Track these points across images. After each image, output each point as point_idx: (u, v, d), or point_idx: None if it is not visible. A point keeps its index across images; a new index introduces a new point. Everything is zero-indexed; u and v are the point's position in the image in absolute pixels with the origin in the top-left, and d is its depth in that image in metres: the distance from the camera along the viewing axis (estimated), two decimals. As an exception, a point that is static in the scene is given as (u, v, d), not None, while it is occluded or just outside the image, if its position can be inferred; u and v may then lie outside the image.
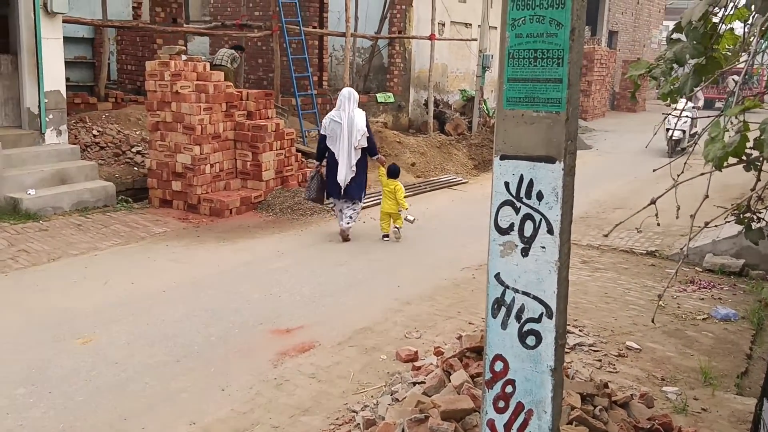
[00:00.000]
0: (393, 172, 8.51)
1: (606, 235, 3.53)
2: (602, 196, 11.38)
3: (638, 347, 5.33)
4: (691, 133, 15.76)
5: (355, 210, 8.42)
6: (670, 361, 5.15)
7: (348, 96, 8.26)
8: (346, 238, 8.33)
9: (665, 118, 2.48)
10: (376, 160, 8.63)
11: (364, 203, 9.21)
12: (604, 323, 5.82)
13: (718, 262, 7.47)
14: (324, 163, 8.41)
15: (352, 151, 8.16)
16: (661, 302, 6.34)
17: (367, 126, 8.28)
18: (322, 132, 8.37)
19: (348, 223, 8.35)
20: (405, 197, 8.51)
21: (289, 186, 10.16)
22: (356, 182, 8.27)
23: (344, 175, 8.17)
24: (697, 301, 6.51)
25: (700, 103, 23.39)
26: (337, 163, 8.20)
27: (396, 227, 8.49)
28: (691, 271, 7.44)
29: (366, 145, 8.22)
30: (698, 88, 2.64)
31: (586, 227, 9.23)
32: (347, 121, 8.10)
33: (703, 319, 6.05)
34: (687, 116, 13.71)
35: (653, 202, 2.67)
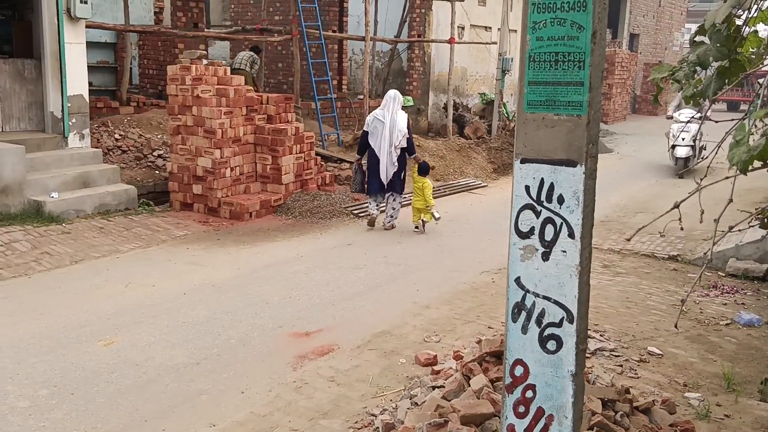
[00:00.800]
0: (423, 170, 8.98)
1: (629, 239, 3.50)
2: (623, 199, 11.29)
3: (660, 352, 5.27)
4: (700, 146, 13.43)
5: (396, 205, 9.10)
6: (692, 366, 5.09)
7: (393, 97, 8.93)
8: (389, 228, 9.05)
9: (687, 121, 2.45)
10: (413, 159, 9.11)
11: (382, 207, 9.44)
12: (626, 328, 5.77)
13: (742, 266, 7.37)
14: (364, 160, 9.08)
15: (392, 149, 8.81)
16: (683, 307, 6.27)
17: (408, 127, 8.97)
18: (365, 129, 9.00)
19: (390, 219, 9.08)
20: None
21: (308, 189, 10.19)
22: (398, 176, 8.96)
23: (386, 170, 8.85)
24: (720, 306, 6.43)
25: (709, 112, 22.92)
26: (377, 160, 8.85)
27: (423, 220, 9.02)
28: (714, 276, 7.36)
29: (405, 146, 8.87)
30: (722, 92, 2.61)
31: (606, 231, 9.16)
32: (390, 122, 8.77)
33: (726, 324, 5.97)
34: (685, 130, 12.22)
35: (677, 206, 2.64)
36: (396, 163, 8.87)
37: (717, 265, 7.57)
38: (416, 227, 9.08)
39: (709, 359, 5.24)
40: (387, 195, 9.05)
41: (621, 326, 5.80)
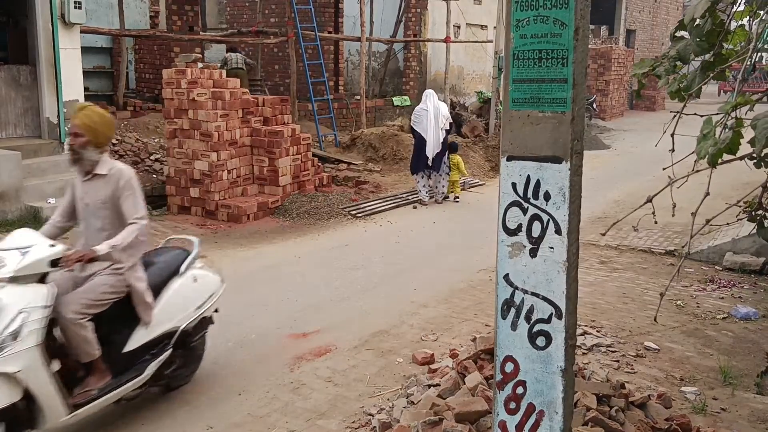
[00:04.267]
0: (453, 148, 10.80)
1: (603, 234, 3.50)
2: (621, 195, 11.29)
3: (657, 347, 5.28)
4: None
5: (443, 181, 10.63)
6: (689, 361, 5.10)
7: (430, 93, 10.70)
8: (438, 202, 10.64)
9: (674, 117, 2.46)
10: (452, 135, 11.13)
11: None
12: (622, 324, 5.78)
13: (738, 260, 7.38)
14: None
15: (438, 131, 10.25)
16: (680, 302, 6.29)
17: (456, 121, 11.19)
18: (411, 124, 10.64)
19: (441, 194, 10.66)
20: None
21: (305, 191, 10.21)
22: (441, 156, 10.37)
23: (432, 148, 10.23)
24: (716, 300, 6.44)
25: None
26: (424, 143, 10.24)
27: (457, 197, 10.79)
28: (711, 270, 7.37)
29: (448, 129, 10.53)
30: (704, 83, 2.62)
31: (604, 227, 9.05)
32: (433, 109, 10.31)
33: (723, 318, 5.98)
34: None
35: (649, 200, 2.65)
36: (440, 144, 10.28)
37: (713, 259, 7.58)
38: (456, 198, 10.79)
39: (705, 353, 5.25)
40: (432, 173, 10.47)
41: (618, 322, 5.81)
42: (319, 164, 11.06)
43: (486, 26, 20.26)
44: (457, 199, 10.81)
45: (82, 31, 9.86)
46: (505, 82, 2.53)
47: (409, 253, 8.04)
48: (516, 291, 2.59)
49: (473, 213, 10.21)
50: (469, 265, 7.51)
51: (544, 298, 2.54)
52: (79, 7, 9.20)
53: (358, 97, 15.30)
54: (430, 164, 10.35)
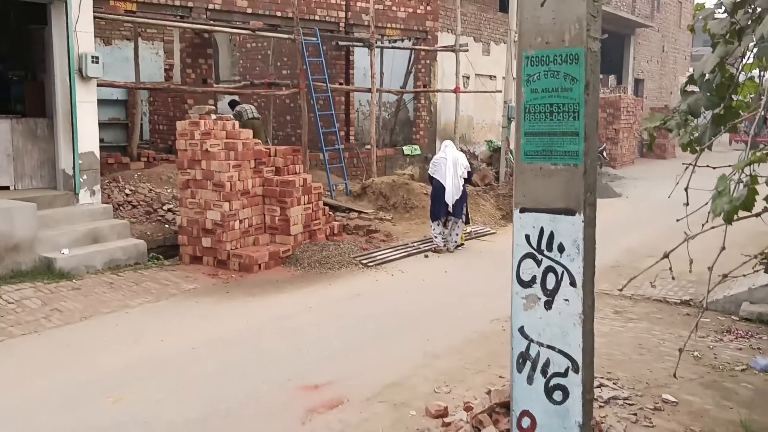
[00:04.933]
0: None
1: (620, 290, 3.47)
2: (633, 244, 11.24)
3: (675, 400, 5.18)
4: None
5: (459, 230, 10.72)
6: (708, 414, 4.99)
7: (449, 143, 11.06)
8: (449, 250, 10.62)
9: (686, 168, 2.47)
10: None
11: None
12: (639, 375, 5.68)
13: (756, 310, 7.28)
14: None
15: (457, 178, 10.43)
16: (696, 353, 6.19)
17: (469, 162, 11.04)
18: (429, 172, 10.86)
19: (454, 242, 10.69)
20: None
21: (316, 239, 10.22)
22: (461, 203, 10.52)
23: (451, 194, 10.36)
24: (734, 352, 6.33)
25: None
26: (442, 190, 10.39)
27: (462, 244, 10.91)
28: (728, 320, 7.26)
29: (467, 177, 10.71)
30: (716, 137, 2.63)
31: (617, 276, 9.09)
32: (452, 158, 10.55)
33: (742, 370, 5.87)
34: None
35: (666, 256, 2.64)
36: (460, 189, 10.45)
37: (730, 309, 7.48)
38: (461, 244, 10.90)
39: (724, 406, 5.14)
40: (449, 220, 10.56)
41: (634, 373, 5.72)
42: (330, 213, 11.10)
43: (495, 76, 20.52)
44: (462, 246, 10.88)
45: (98, 85, 10.06)
46: (517, 135, 2.55)
47: (421, 303, 7.99)
48: (531, 344, 2.57)
49: (485, 262, 10.17)
50: (481, 315, 7.44)
51: (560, 352, 2.51)
52: (97, 62, 9.41)
53: (369, 147, 15.44)
54: (451, 210, 10.43)
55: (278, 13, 14.18)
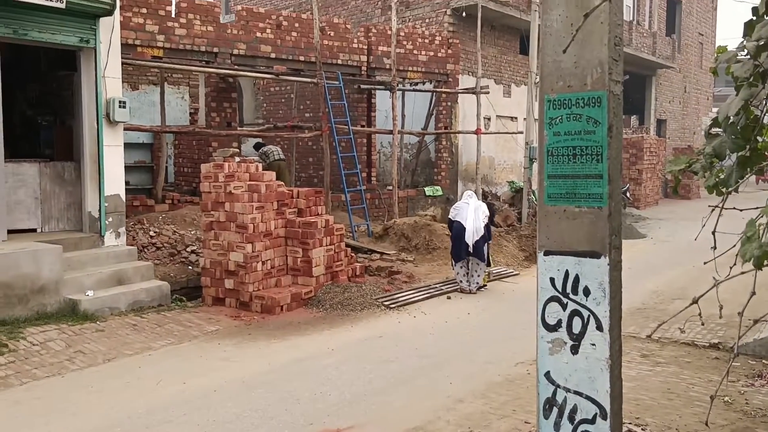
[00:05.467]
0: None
1: (649, 336, 3.41)
2: (660, 286, 11.08)
3: (706, 447, 5.04)
4: None
5: (481, 272, 10.65)
6: (741, 462, 4.84)
7: (471, 194, 11.15)
8: (472, 292, 10.58)
9: (712, 210, 2.44)
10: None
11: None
12: (668, 421, 5.54)
13: (787, 353, 7.10)
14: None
15: (479, 221, 10.46)
16: (727, 398, 6.03)
17: (490, 209, 11.20)
18: (450, 217, 10.91)
19: (476, 284, 10.66)
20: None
21: (339, 281, 10.21)
22: (482, 244, 10.46)
23: (471, 235, 10.35)
24: (766, 396, 6.16)
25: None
26: (462, 231, 10.40)
27: (484, 285, 10.85)
28: (758, 364, 7.09)
29: (487, 223, 10.74)
30: (743, 180, 2.61)
31: (644, 319, 8.95)
32: (473, 204, 10.67)
33: (775, 415, 5.71)
34: None
35: (695, 301, 2.59)
36: (481, 231, 10.41)
37: (761, 352, 7.31)
38: (483, 286, 10.84)
39: (758, 453, 4.99)
40: (471, 261, 10.55)
41: (663, 419, 5.58)
42: (352, 254, 11.11)
43: (516, 118, 20.60)
44: (484, 287, 10.82)
45: (125, 129, 10.26)
46: (540, 177, 2.55)
47: (444, 345, 7.91)
48: (558, 389, 2.52)
49: (508, 304, 10.07)
50: (506, 358, 7.34)
51: (588, 397, 2.46)
52: (124, 107, 9.61)
53: (391, 188, 15.50)
54: (471, 251, 10.41)
55: (301, 58, 14.43)
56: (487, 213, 10.80)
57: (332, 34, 15.16)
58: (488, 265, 11.03)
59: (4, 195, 8.85)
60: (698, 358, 7.40)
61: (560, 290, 2.51)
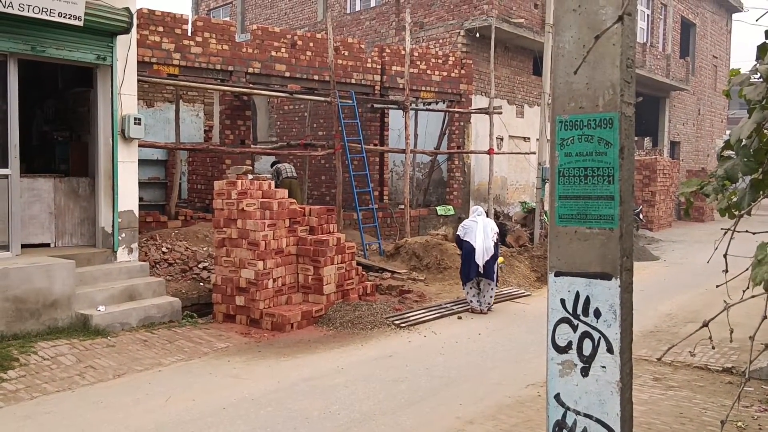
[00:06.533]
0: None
1: (659, 359, 3.38)
2: (673, 309, 10.98)
3: (719, 473, 4.96)
4: None
5: (491, 292, 10.63)
6: (755, 489, 4.77)
7: (480, 211, 11.07)
8: (483, 312, 10.54)
9: (724, 233, 2.43)
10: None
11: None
12: (680, 446, 5.47)
13: (802, 379, 7.00)
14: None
15: (489, 240, 10.43)
16: (740, 423, 5.95)
17: (498, 227, 11.31)
18: (458, 233, 10.90)
19: (487, 304, 10.61)
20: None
21: (349, 299, 10.20)
22: (492, 262, 10.44)
23: (481, 255, 10.33)
24: (781, 422, 6.08)
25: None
26: (472, 251, 10.37)
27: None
28: (773, 389, 7.00)
29: (497, 241, 10.73)
30: (756, 203, 2.59)
31: (657, 342, 8.87)
32: (482, 222, 10.63)
33: (790, 442, 5.62)
34: None
35: (705, 325, 2.57)
36: (491, 251, 10.41)
37: (775, 377, 7.21)
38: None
39: (773, 481, 4.91)
40: (482, 282, 10.51)
41: (675, 444, 5.51)
42: (364, 273, 11.10)
43: (528, 138, 20.62)
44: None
45: (140, 145, 10.34)
46: (551, 198, 2.54)
47: (454, 366, 7.86)
48: (568, 412, 2.50)
49: (519, 324, 10.01)
50: (516, 380, 7.29)
51: (598, 421, 2.44)
52: (139, 123, 9.70)
53: (402, 207, 15.52)
54: (482, 271, 10.37)
55: (315, 77, 14.53)
56: (497, 230, 10.83)
57: (346, 53, 15.27)
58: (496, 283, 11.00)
59: (19, 210, 8.93)
60: (711, 382, 7.32)
61: (571, 312, 2.49)
